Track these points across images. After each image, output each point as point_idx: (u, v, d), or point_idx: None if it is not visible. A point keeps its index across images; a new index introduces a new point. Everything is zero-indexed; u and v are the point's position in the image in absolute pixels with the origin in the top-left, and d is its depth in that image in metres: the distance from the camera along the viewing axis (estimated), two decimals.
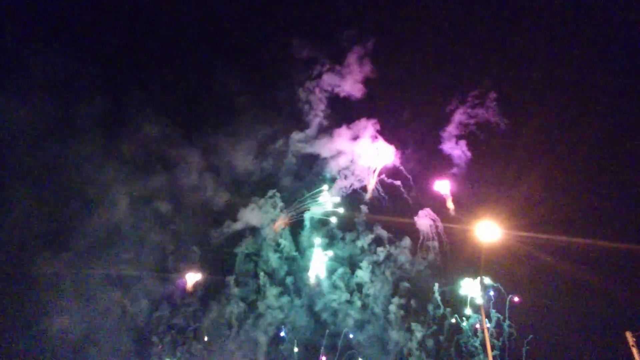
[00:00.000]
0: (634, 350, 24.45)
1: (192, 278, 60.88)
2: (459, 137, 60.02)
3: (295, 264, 62.64)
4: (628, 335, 24.86)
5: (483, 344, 56.95)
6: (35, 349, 53.02)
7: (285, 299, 60.71)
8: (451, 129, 60.50)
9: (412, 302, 59.19)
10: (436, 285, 58.73)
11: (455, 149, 59.62)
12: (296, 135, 64.28)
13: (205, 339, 58.97)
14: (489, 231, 31.27)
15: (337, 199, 62.45)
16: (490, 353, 28.00)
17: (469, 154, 59.12)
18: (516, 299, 55.27)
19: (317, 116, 64.41)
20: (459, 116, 60.19)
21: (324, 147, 63.19)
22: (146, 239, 60.01)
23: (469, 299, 57.99)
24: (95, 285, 56.37)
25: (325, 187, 62.61)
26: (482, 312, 28.81)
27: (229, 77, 64.81)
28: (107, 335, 55.60)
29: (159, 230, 61.03)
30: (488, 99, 58.77)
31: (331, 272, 61.44)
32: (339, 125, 63.06)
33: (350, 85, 62.93)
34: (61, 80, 58.41)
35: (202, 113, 67.10)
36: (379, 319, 59.55)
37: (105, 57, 64.19)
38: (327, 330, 59.67)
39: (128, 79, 65.39)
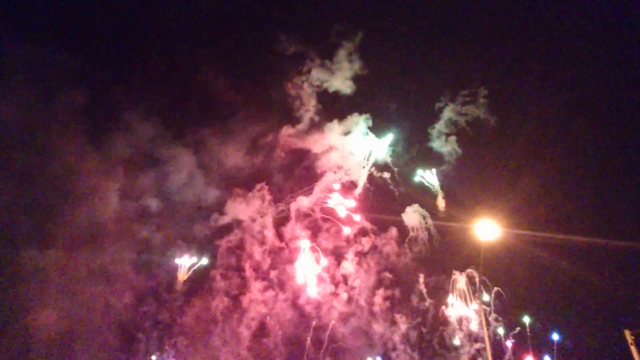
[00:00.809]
0: (633, 349, 24.72)
1: (179, 271, 60.23)
2: (449, 134, 60.47)
3: (281, 256, 62.29)
4: (627, 333, 25.12)
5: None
6: (20, 344, 51.63)
7: (270, 293, 60.45)
8: (441, 125, 60.87)
9: (397, 293, 59.71)
10: (421, 277, 59.27)
11: (446, 146, 60.01)
12: (286, 131, 63.80)
13: (190, 334, 58.50)
14: (487, 229, 31.07)
15: (326, 193, 62.37)
16: (489, 349, 28.11)
17: (459, 150, 59.62)
18: (499, 289, 56.21)
19: (307, 111, 63.90)
20: (449, 113, 60.56)
21: (314, 142, 63.05)
22: (132, 234, 59.30)
23: (455, 291, 58.70)
24: (80, 280, 55.27)
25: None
26: (481, 309, 28.59)
27: (216, 72, 64.17)
28: (92, 330, 54.67)
29: (145, 224, 60.31)
30: (479, 96, 59.28)
31: (317, 264, 61.33)
32: (330, 120, 62.94)
33: (340, 81, 62.67)
34: (45, 73, 56.87)
35: (189, 108, 66.04)
36: (364, 311, 59.84)
37: (90, 51, 62.62)
38: (313, 323, 59.69)
39: (114, 73, 63.93)
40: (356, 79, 62.63)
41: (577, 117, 51.30)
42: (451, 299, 58.95)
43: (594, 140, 49.94)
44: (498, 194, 50.45)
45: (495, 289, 57.05)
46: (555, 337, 53.71)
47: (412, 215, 60.09)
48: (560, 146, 50.40)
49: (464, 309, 58.13)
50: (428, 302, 58.74)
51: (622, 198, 48.35)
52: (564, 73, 52.05)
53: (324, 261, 61.46)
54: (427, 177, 61.55)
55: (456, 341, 57.17)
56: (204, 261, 61.36)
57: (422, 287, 59.45)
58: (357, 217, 61.44)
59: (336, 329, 59.21)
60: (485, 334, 28.33)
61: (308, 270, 61.20)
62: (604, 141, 50.56)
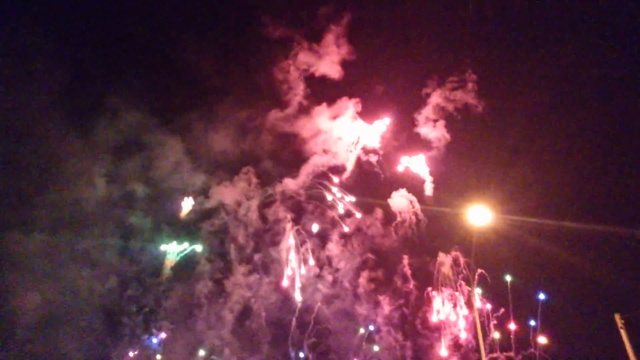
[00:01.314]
0: (623, 332, 25.12)
1: (167, 258, 59.66)
2: (437, 119, 60.39)
3: (266, 239, 61.97)
4: (617, 317, 25.51)
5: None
6: (3, 329, 51.12)
7: (254, 276, 60.28)
8: (430, 110, 60.75)
9: (382, 275, 60.03)
10: (405, 259, 59.63)
11: (434, 132, 59.97)
12: (273, 115, 63.23)
13: (176, 318, 58.12)
14: (479, 215, 31.20)
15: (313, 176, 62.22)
16: (480, 333, 28.41)
17: (447, 136, 59.64)
18: (482, 271, 56.87)
19: (295, 95, 63.26)
20: (437, 97, 60.43)
21: (301, 126, 62.60)
22: (116, 218, 58.82)
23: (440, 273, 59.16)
24: (65, 264, 54.76)
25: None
26: (474, 296, 28.81)
27: (202, 56, 63.19)
28: (77, 315, 54.13)
29: (130, 209, 59.76)
30: (468, 81, 59.17)
31: (301, 245, 61.25)
32: (318, 105, 62.46)
33: (328, 65, 62.05)
34: (24, 54, 55.68)
35: (174, 91, 64.89)
36: (348, 293, 60.10)
37: (72, 33, 61.49)
38: (298, 306, 59.78)
39: (97, 56, 63.22)
40: (344, 63, 62.19)
41: (569, 103, 51.57)
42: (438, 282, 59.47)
43: (586, 126, 50.10)
44: (488, 179, 50.55)
45: (479, 270, 57.80)
46: (541, 296, 53.86)
47: (399, 200, 60.24)
48: (551, 132, 50.71)
49: (449, 291, 58.77)
50: (412, 284, 59.31)
51: (615, 184, 48.79)
52: (556, 59, 52.16)
53: (309, 243, 61.36)
54: (415, 162, 61.56)
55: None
56: (193, 247, 60.70)
57: (406, 268, 59.94)
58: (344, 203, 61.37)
59: (321, 311, 59.41)
60: (476, 317, 28.60)
61: (293, 253, 60.92)
62: (596, 127, 50.81)
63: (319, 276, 60.48)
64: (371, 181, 61.66)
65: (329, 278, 60.46)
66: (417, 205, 59.68)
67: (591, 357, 45.47)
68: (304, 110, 62.79)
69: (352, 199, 61.71)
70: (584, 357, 46.05)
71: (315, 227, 61.80)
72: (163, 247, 60.10)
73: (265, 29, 62.33)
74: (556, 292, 49.50)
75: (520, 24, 56.02)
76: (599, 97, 50.69)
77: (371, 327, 58.93)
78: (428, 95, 61.13)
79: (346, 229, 60.96)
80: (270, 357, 57.60)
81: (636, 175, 48.87)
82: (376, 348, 58.03)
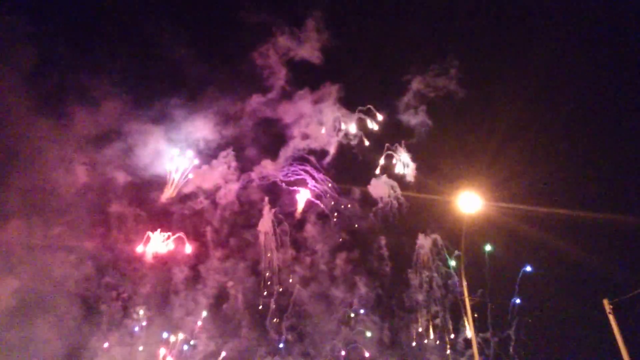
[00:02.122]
0: (611, 317, 25.44)
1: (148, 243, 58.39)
2: (419, 106, 60.20)
3: (244, 222, 61.54)
4: (605, 302, 25.82)
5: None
6: None
7: (232, 259, 59.78)
8: (411, 97, 60.50)
9: (361, 257, 60.23)
10: (383, 240, 59.85)
11: (416, 118, 59.80)
12: (255, 100, 62.38)
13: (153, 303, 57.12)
14: (469, 202, 30.94)
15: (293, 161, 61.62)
16: (470, 320, 28.49)
17: (430, 122, 59.52)
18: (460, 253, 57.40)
19: (275, 81, 62.87)
20: (419, 84, 60.12)
21: (282, 111, 62.18)
22: (93, 205, 57.30)
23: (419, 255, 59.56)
24: (40, 250, 52.79)
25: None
26: (464, 284, 28.79)
27: (181, 41, 62.32)
28: (52, 302, 52.25)
29: (107, 195, 58.11)
30: (451, 67, 58.91)
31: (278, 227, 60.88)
32: (299, 90, 62.24)
33: (308, 51, 61.46)
34: None
35: (152, 75, 64.31)
36: (325, 275, 60.12)
37: (41, 12, 60.18)
38: (276, 289, 59.51)
39: (71, 41, 61.53)
40: (325, 49, 61.70)
41: (558, 91, 51.74)
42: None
43: (574, 114, 50.47)
44: (473, 165, 50.76)
45: (456, 252, 58.38)
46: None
47: (381, 186, 60.17)
48: (540, 120, 50.78)
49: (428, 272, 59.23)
50: (389, 266, 59.63)
51: (603, 171, 49.26)
52: (546, 45, 51.97)
53: (287, 226, 61.33)
54: (398, 148, 61.44)
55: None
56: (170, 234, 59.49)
57: (384, 250, 60.19)
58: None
59: (299, 293, 59.29)
60: (466, 302, 28.64)
61: (270, 236, 60.64)
62: (584, 115, 51.28)
63: (296, 258, 60.42)
64: (352, 167, 61.47)
65: (307, 260, 60.38)
66: (399, 191, 59.76)
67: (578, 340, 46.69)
68: (285, 96, 62.62)
69: (332, 183, 61.42)
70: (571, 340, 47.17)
71: (293, 210, 61.53)
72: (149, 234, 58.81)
73: (246, 15, 61.37)
74: (543, 275, 49.97)
75: (508, 8, 55.79)
76: (588, 85, 50.84)
77: (352, 314, 59.18)
78: (411, 81, 61.04)
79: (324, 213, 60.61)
80: (249, 339, 57.34)
81: (626, 162, 49.48)
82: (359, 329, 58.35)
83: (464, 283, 26.81)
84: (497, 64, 55.79)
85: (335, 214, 61.57)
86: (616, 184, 48.35)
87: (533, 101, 51.21)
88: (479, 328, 55.96)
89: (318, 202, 61.70)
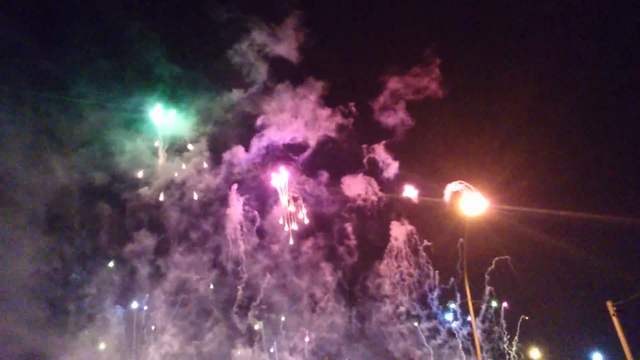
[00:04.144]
0: (615, 319, 25.79)
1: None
2: (397, 104, 59.53)
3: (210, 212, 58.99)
4: (609, 304, 26.13)
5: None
6: None
7: (197, 251, 57.63)
8: (390, 97, 59.79)
9: (327, 245, 59.59)
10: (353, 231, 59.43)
11: (394, 117, 59.22)
12: (232, 95, 59.86)
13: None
14: (472, 204, 30.68)
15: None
16: (473, 319, 28.26)
17: (409, 120, 58.99)
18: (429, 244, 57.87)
19: (253, 77, 60.34)
20: (396, 83, 59.40)
21: (259, 106, 60.15)
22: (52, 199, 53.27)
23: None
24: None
25: None
26: (466, 283, 28.50)
27: (155, 40, 58.72)
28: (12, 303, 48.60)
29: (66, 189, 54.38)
30: (433, 66, 58.29)
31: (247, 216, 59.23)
32: (277, 86, 60.25)
33: (287, 50, 59.40)
34: None
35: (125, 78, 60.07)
36: (289, 264, 59.35)
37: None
38: (241, 282, 58.21)
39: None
40: (302, 48, 59.67)
41: (560, 92, 51.04)
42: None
43: (578, 114, 50.15)
44: (467, 166, 50.19)
45: (425, 242, 58.67)
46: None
47: (359, 182, 59.59)
48: (542, 121, 50.20)
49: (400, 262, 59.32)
50: (358, 255, 59.40)
51: (607, 173, 49.24)
52: (547, 44, 51.38)
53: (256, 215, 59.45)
54: (377, 147, 60.74)
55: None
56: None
57: (354, 241, 59.86)
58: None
59: (266, 282, 58.07)
60: (469, 304, 28.40)
61: (239, 225, 58.83)
62: (587, 117, 51.04)
63: (263, 247, 59.07)
64: (330, 163, 60.49)
65: (275, 249, 59.26)
66: (376, 186, 59.32)
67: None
68: (262, 93, 60.62)
69: (307, 177, 60.33)
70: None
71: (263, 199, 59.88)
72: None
73: (218, 13, 58.98)
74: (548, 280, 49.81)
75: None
76: (590, 86, 50.15)
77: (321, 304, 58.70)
78: (388, 80, 60.25)
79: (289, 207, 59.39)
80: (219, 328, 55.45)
81: (630, 163, 49.58)
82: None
83: (467, 286, 26.72)
84: (496, 64, 55.36)
85: (304, 205, 60.44)
86: (619, 185, 48.57)
87: (534, 102, 50.80)
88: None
89: (289, 193, 60.35)
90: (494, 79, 55.55)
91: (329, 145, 60.35)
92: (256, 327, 57.49)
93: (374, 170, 59.44)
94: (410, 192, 55.82)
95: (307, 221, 59.31)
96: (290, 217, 59.01)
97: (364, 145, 60.35)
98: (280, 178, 58.71)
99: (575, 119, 48.82)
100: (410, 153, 59.95)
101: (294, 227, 58.53)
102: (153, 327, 54.66)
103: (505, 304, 54.59)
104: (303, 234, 59.94)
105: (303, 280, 59.12)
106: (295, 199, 59.72)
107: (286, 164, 59.16)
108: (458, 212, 52.71)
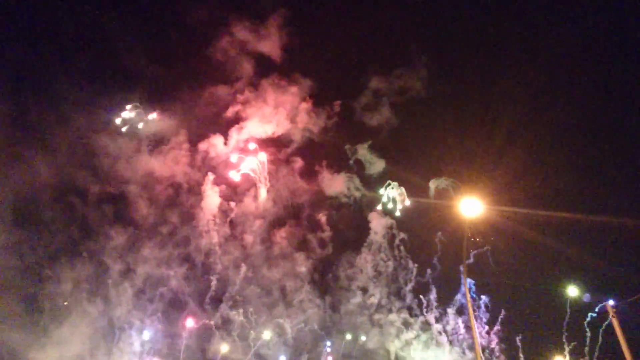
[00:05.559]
0: (614, 321, 25.88)
1: None
2: (381, 104, 58.84)
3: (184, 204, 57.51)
4: (608, 306, 26.19)
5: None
6: None
7: (169, 243, 55.79)
8: (371, 95, 59.01)
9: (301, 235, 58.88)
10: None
11: (379, 116, 58.62)
12: (213, 92, 58.84)
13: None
14: (472, 207, 30.06)
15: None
16: (471, 315, 27.88)
17: (393, 119, 58.44)
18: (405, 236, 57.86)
19: (236, 76, 59.59)
20: (379, 83, 58.68)
21: (242, 102, 58.75)
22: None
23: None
24: None
25: None
26: (466, 287, 28.14)
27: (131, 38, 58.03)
28: None
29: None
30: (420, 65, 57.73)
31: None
32: (261, 83, 59.22)
33: (270, 48, 58.41)
34: None
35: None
36: (261, 255, 58.44)
37: None
38: (217, 269, 56.80)
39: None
40: (288, 45, 58.79)
41: (559, 94, 50.77)
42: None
43: (575, 117, 49.64)
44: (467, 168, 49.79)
45: (402, 235, 58.62)
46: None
47: (340, 180, 58.94)
48: (541, 122, 49.55)
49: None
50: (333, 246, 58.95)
51: (606, 174, 49.22)
52: (545, 44, 50.58)
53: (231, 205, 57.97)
54: (360, 147, 60.00)
55: None
56: None
57: (328, 232, 59.41)
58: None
59: (239, 273, 56.83)
60: (468, 303, 28.08)
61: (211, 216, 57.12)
62: (586, 119, 50.45)
63: (236, 238, 57.89)
64: (312, 161, 59.58)
65: (249, 239, 58.07)
66: (358, 183, 58.87)
67: None
68: (245, 88, 59.40)
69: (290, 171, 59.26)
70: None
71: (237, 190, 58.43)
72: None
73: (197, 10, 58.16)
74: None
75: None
76: (590, 86, 50.54)
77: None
78: (370, 80, 59.51)
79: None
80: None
81: (630, 164, 49.78)
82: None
83: (466, 283, 26.32)
84: (491, 63, 54.92)
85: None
86: (619, 186, 48.63)
87: (532, 102, 50.71)
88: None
89: (265, 184, 59.28)
90: (489, 78, 55.63)
91: (311, 142, 59.52)
92: (234, 318, 56.37)
93: (358, 168, 59.11)
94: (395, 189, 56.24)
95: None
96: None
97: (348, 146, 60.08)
98: (258, 169, 57.82)
99: (573, 119, 48.77)
100: (395, 152, 59.37)
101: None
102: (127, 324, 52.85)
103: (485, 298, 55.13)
104: (276, 224, 59.07)
105: (278, 272, 58.49)
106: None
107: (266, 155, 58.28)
108: (440, 208, 53.50)
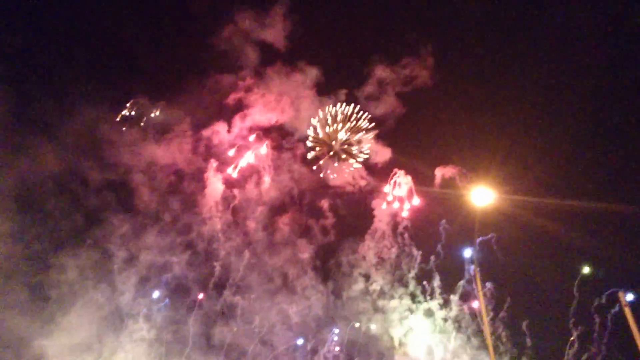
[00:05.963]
0: (627, 310, 25.92)
1: None
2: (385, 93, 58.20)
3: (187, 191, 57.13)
4: (620, 295, 26.21)
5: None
6: None
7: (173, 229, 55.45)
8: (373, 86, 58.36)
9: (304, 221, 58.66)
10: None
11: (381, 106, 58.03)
12: (220, 81, 57.89)
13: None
14: (483, 196, 30.10)
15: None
16: (484, 311, 27.88)
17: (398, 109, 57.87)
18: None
19: (239, 65, 58.19)
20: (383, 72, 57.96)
21: (246, 90, 58.02)
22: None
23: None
24: None
25: None
26: (478, 279, 28.04)
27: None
28: None
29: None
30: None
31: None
32: (266, 72, 57.96)
33: (275, 36, 56.99)
34: None
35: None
36: (262, 242, 58.35)
37: None
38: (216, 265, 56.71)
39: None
40: (292, 33, 57.02)
41: (572, 79, 49.23)
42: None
43: (588, 103, 48.93)
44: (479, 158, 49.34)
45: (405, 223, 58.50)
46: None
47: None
48: (551, 112, 49.03)
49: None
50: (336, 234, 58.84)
51: (617, 162, 48.65)
52: (553, 34, 49.93)
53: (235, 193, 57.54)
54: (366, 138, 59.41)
55: None
56: None
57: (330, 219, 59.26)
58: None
59: (242, 261, 56.71)
60: (480, 296, 28.02)
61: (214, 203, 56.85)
62: (598, 105, 49.59)
63: (239, 225, 57.41)
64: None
65: (252, 226, 57.83)
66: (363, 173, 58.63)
67: None
68: (251, 77, 58.51)
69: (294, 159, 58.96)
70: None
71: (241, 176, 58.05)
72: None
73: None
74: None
75: None
76: (606, 71, 48.67)
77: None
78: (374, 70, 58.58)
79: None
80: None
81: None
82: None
83: (478, 276, 26.30)
84: (506, 51, 53.88)
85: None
86: (633, 174, 47.75)
87: (544, 89, 49.87)
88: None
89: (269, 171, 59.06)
90: (498, 65, 54.45)
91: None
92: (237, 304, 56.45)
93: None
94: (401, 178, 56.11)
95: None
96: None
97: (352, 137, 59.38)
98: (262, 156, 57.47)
99: (586, 105, 47.95)
100: (403, 141, 58.92)
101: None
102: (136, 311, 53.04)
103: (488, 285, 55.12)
104: (281, 211, 58.90)
105: (280, 260, 58.41)
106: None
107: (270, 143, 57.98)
108: (447, 196, 53.35)
